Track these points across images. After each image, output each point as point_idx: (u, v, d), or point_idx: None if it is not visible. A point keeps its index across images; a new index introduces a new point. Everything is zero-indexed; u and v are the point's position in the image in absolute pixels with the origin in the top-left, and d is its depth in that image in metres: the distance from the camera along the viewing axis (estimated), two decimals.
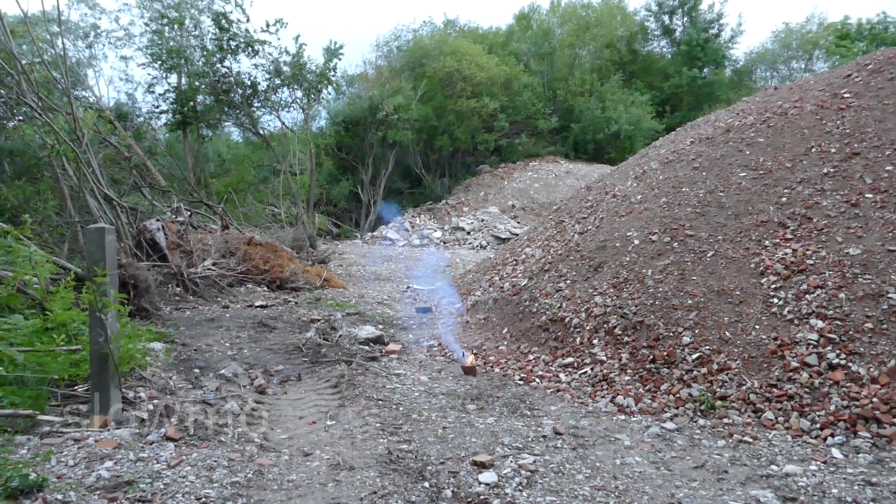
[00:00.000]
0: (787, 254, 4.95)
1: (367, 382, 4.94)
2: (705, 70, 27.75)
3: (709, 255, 5.37)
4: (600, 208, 7.54)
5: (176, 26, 15.98)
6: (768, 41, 30.44)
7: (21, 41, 11.41)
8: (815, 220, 5.19)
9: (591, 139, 24.44)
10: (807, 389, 3.97)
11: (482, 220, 19.00)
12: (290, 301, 8.54)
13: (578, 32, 28.70)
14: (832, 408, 3.82)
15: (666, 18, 29.27)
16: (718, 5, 32.87)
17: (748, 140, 6.74)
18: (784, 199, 5.58)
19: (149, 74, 16.52)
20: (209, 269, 8.70)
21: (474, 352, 5.85)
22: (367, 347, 6.06)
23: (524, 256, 7.97)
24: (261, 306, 8.02)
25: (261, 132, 16.34)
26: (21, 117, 9.63)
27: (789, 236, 5.15)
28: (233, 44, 14.26)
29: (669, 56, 29.82)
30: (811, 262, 4.78)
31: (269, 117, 17.87)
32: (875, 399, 3.76)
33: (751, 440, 3.73)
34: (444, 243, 17.83)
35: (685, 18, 28.68)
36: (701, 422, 4.04)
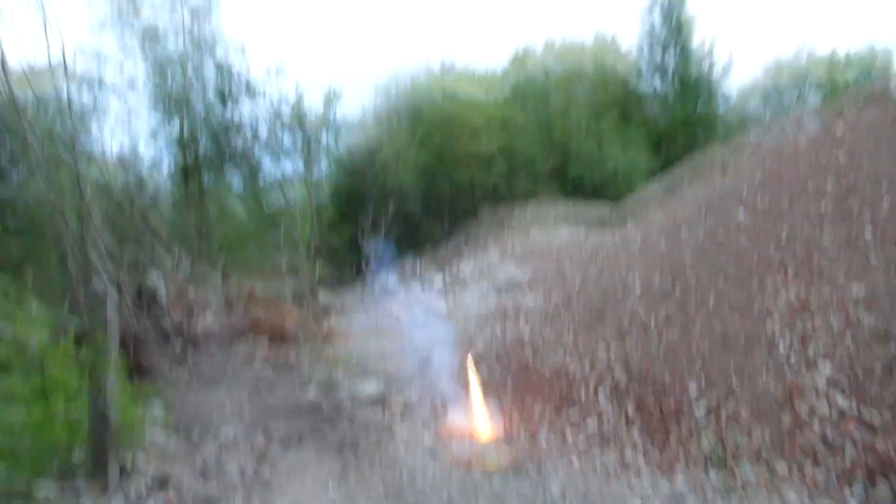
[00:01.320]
0: (789, 296, 4.89)
1: (369, 443, 4.82)
2: (699, 106, 28.14)
3: (711, 300, 5.31)
4: (600, 253, 7.53)
5: (178, 74, 16.27)
6: (759, 76, 30.94)
7: (26, 92, 11.62)
8: (815, 259, 5.14)
9: (589, 179, 24.60)
10: (820, 439, 3.86)
11: (482, 267, 18.92)
12: (290, 356, 8.43)
13: (573, 73, 29.25)
14: (847, 461, 3.71)
15: (658, 58, 29.84)
16: (709, 42, 33.54)
17: (745, 178, 6.77)
18: (784, 237, 5.55)
19: (151, 123, 16.76)
20: (209, 324, 8.65)
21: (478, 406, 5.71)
22: (368, 406, 5.92)
23: (525, 308, 7.88)
24: (261, 361, 7.92)
25: (261, 180, 16.49)
26: (25, 171, 9.72)
27: (791, 276, 5.10)
28: (234, 90, 14.54)
29: (663, 94, 30.29)
30: (814, 302, 4.72)
31: (271, 164, 18.06)
32: (892, 448, 3.65)
33: (766, 494, 3.60)
34: (445, 290, 17.71)
35: (677, 56, 29.22)
36: (713, 475, 3.92)
